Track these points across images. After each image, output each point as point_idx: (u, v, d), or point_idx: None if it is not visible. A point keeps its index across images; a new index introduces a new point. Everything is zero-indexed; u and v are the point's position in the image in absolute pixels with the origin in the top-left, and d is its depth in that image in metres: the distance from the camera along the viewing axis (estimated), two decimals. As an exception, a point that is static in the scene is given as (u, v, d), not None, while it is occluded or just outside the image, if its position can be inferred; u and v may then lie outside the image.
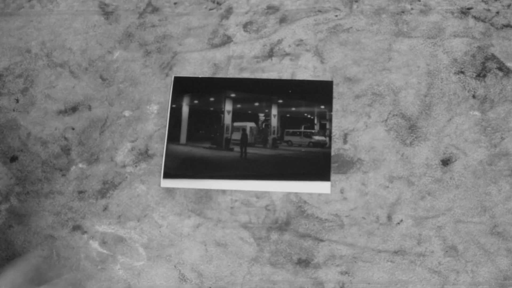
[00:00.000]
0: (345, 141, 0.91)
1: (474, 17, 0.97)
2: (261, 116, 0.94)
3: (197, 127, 0.93)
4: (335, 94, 0.93)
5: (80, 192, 0.91)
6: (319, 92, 0.94)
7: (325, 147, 0.91)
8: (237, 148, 0.92)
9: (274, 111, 0.94)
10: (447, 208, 0.87)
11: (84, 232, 0.90)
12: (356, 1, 0.99)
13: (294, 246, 0.87)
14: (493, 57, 0.94)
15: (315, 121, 0.93)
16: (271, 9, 0.99)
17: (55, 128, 0.94)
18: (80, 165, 0.93)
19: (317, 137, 0.92)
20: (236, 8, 0.99)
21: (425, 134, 0.90)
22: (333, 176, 0.89)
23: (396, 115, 0.92)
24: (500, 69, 0.94)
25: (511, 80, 0.93)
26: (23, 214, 0.90)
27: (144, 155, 0.92)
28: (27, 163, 0.92)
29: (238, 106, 0.94)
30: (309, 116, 0.93)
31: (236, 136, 0.93)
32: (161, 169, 0.91)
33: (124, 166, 0.93)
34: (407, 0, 0.98)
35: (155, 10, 1.00)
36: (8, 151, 0.93)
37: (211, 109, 0.94)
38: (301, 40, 0.97)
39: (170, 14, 1.00)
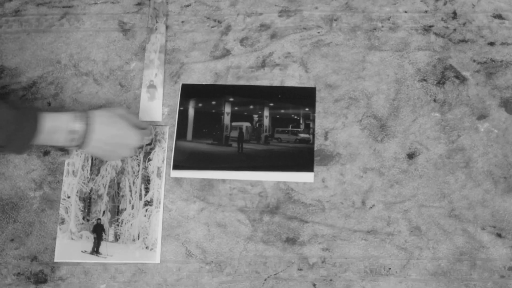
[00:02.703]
0: (326, 138, 0.91)
1: (435, 34, 0.96)
2: (255, 117, 0.93)
3: (201, 126, 0.92)
4: (317, 98, 0.93)
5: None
6: (304, 97, 0.93)
7: (309, 143, 0.90)
8: (235, 144, 0.91)
9: (266, 112, 0.93)
10: (412, 195, 0.86)
11: (106, 215, 0.89)
12: (335, 20, 0.98)
13: (283, 226, 0.87)
14: (451, 67, 0.94)
15: (301, 121, 0.92)
16: (264, 27, 0.98)
17: None
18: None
19: (302, 135, 0.91)
20: (234, 26, 0.98)
21: (393, 132, 0.90)
22: (316, 168, 0.89)
23: (369, 116, 0.91)
24: (457, 77, 0.93)
25: (466, 87, 0.92)
26: (54, 200, 0.89)
27: (157, 150, 0.92)
28: (57, 156, 0.91)
29: (236, 108, 0.93)
30: (295, 117, 0.92)
31: (234, 134, 0.92)
32: (171, 161, 0.90)
33: (139, 159, 0.93)
34: (378, 19, 0.97)
35: (166, 27, 0.99)
36: (42, 146, 0.92)
37: (213, 111, 0.93)
38: (289, 53, 0.96)
39: (178, 31, 0.99)
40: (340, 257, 0.84)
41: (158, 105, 0.92)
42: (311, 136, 0.91)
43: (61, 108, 0.93)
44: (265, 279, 0.84)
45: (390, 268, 0.83)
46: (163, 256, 0.85)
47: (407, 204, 0.85)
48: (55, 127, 0.76)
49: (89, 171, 0.89)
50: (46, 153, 0.91)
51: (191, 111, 0.93)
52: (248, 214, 0.87)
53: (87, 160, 0.89)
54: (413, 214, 0.85)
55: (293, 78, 0.94)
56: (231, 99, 0.94)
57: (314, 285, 0.83)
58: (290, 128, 0.92)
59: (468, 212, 0.85)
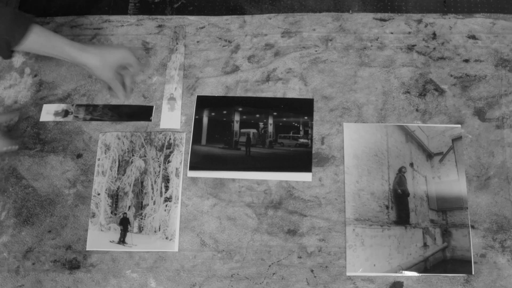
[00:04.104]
0: (322, 143, 0.93)
1: (417, 52, 0.98)
2: (261, 125, 0.94)
3: (213, 132, 0.94)
4: (315, 108, 0.95)
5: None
6: (303, 107, 0.95)
7: (308, 147, 0.92)
8: (243, 148, 0.92)
9: (270, 120, 0.94)
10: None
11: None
12: (331, 40, 1.00)
13: (285, 220, 0.89)
14: (431, 81, 0.96)
15: (300, 128, 0.93)
16: (268, 46, 1.00)
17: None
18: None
19: (302, 140, 0.93)
20: (243, 45, 1.00)
21: (381, 138, 0.92)
22: (313, 168, 0.91)
23: (360, 123, 0.93)
24: (436, 90, 0.95)
25: (444, 98, 0.95)
26: (86, 196, 0.91)
27: (175, 153, 0.93)
28: (89, 158, 0.93)
29: (244, 117, 0.95)
30: (296, 124, 0.94)
31: (242, 139, 0.93)
32: (187, 163, 0.92)
33: (160, 161, 0.93)
34: (368, 39, 0.99)
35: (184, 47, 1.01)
36: (75, 150, 0.94)
37: (224, 119, 0.95)
38: (290, 69, 0.98)
39: (194, 49, 1.00)
40: (334, 247, 0.86)
41: (177, 114, 0.95)
42: (309, 141, 0.93)
43: (92, 117, 0.96)
44: (269, 266, 0.86)
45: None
46: (181, 245, 0.87)
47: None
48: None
49: (116, 172, 0.91)
50: (79, 156, 0.93)
51: (205, 119, 0.95)
52: (254, 209, 0.89)
53: (115, 162, 0.92)
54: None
55: (293, 90, 0.97)
56: (240, 109, 0.95)
57: (312, 271, 0.85)
58: (291, 134, 0.93)
59: (446, 207, 0.87)
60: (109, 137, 0.94)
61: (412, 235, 0.86)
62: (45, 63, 1.01)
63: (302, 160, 0.92)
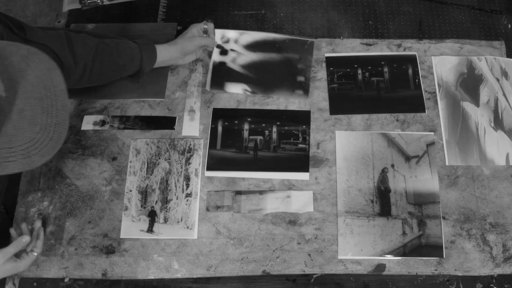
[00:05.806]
0: (318, 148, 0.97)
1: None
2: (266, 132, 0.98)
3: (227, 139, 0.98)
4: (312, 118, 0.99)
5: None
6: (302, 117, 0.99)
7: (306, 151, 0.96)
8: (251, 152, 0.96)
9: (274, 129, 0.99)
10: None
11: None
12: (324, 61, 1.07)
13: (287, 212, 0.92)
14: None
15: (300, 135, 0.98)
16: None
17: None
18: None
19: (300, 145, 0.97)
20: None
21: (367, 143, 0.98)
22: (310, 169, 0.95)
23: (350, 131, 0.99)
24: None
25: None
26: (120, 193, 0.95)
27: (194, 156, 0.98)
28: (122, 161, 0.98)
29: (252, 126, 0.99)
30: (296, 132, 0.98)
31: (251, 144, 0.97)
32: (205, 164, 0.96)
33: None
34: None
35: (202, 68, 1.07)
36: (111, 154, 0.99)
37: (236, 128, 0.99)
38: None
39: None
40: (328, 235, 0.90)
41: (196, 124, 1.02)
42: (307, 146, 0.96)
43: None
44: (273, 250, 0.89)
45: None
46: (199, 233, 0.91)
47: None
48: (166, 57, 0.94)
49: (145, 172, 0.97)
50: (114, 158, 0.99)
51: (219, 128, 0.99)
52: (261, 203, 0.93)
53: (144, 164, 0.99)
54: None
55: (294, 104, 1.01)
56: (249, 119, 0.99)
57: (309, 255, 0.89)
58: (291, 140, 0.97)
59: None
60: (139, 143, 1.00)
61: (393, 225, 0.94)
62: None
63: (301, 162, 0.96)
